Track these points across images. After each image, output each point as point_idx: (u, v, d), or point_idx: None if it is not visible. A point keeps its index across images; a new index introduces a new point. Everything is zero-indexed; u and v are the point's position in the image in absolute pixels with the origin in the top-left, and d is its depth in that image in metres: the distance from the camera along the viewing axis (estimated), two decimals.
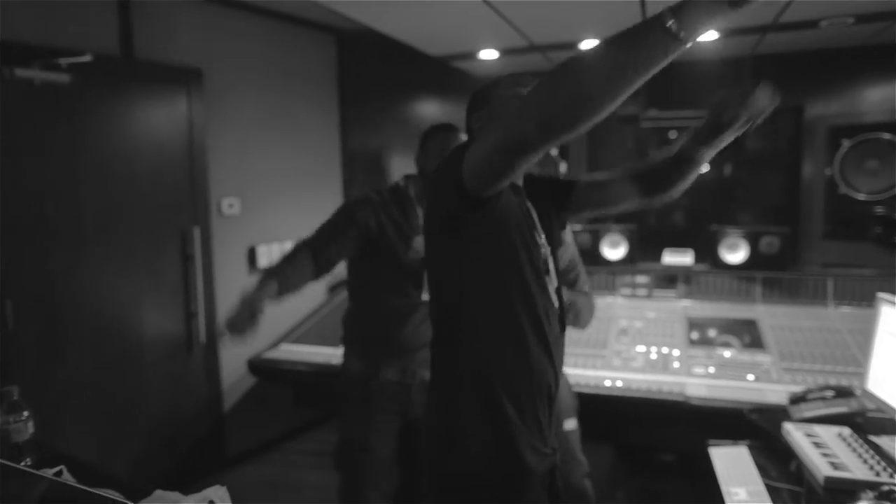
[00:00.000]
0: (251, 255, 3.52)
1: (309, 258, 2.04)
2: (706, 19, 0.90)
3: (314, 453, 3.62)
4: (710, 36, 2.77)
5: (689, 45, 0.91)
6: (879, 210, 3.58)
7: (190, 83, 3.15)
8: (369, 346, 2.15)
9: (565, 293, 1.78)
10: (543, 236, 1.37)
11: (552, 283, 1.35)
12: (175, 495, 1.14)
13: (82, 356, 2.76)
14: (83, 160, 2.74)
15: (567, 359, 2.62)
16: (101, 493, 1.04)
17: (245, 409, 3.51)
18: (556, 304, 1.35)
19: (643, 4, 2.19)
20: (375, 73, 4.10)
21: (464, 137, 2.08)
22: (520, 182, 1.39)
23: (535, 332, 1.26)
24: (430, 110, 4.15)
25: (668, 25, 0.88)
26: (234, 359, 3.36)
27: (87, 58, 2.54)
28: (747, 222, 4.09)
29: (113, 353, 2.89)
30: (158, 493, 1.14)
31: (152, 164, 3.02)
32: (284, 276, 2.00)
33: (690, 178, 1.41)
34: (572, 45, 2.97)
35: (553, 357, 1.31)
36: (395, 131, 4.28)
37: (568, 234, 2.08)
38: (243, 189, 3.45)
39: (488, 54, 3.14)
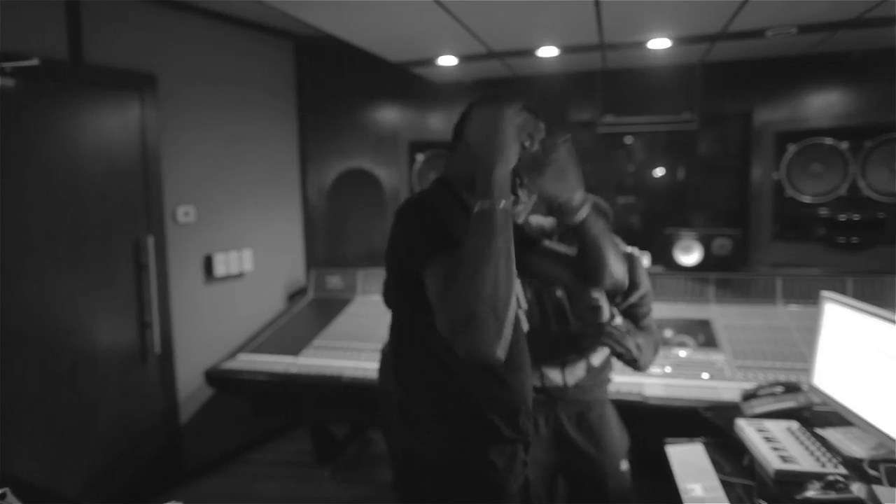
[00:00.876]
0: (207, 264, 3.45)
1: None
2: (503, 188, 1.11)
3: (274, 464, 3.56)
4: (662, 44, 2.84)
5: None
6: (823, 212, 3.73)
7: (143, 89, 3.08)
8: None
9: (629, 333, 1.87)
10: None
11: (521, 307, 1.37)
12: None
13: (30, 370, 2.66)
14: (30, 167, 2.65)
15: None
16: None
17: (203, 420, 3.44)
18: (526, 326, 1.40)
19: (597, 5, 2.23)
20: (334, 78, 4.08)
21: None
22: None
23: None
24: (389, 116, 4.15)
25: (504, 210, 1.10)
26: (190, 369, 3.29)
27: (33, 61, 2.46)
28: (701, 225, 4.21)
29: (63, 366, 2.79)
30: None
31: (104, 172, 2.94)
32: None
33: (599, 255, 1.40)
34: (530, 52, 3.00)
35: (519, 384, 1.34)
36: (355, 137, 4.26)
37: (643, 276, 2.04)
38: (199, 197, 3.38)
39: (447, 60, 3.15)
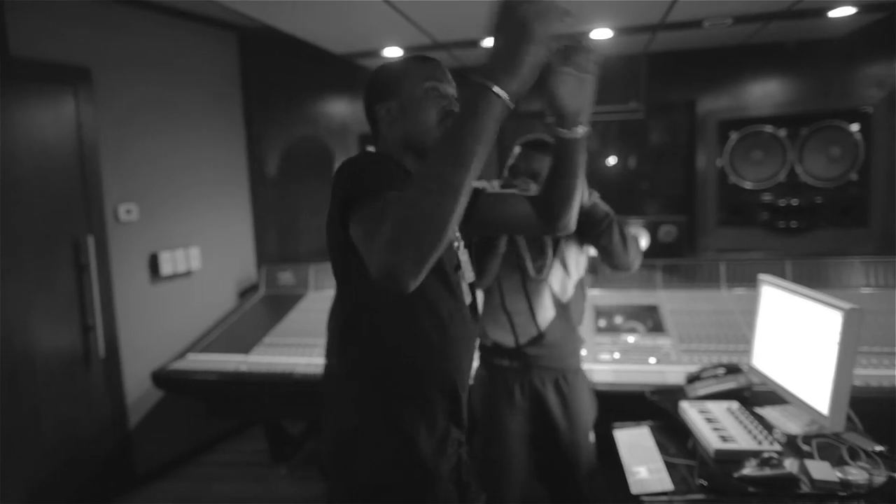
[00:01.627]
0: (153, 263, 3.35)
1: None
2: (526, 72, 0.91)
3: (230, 464, 3.50)
4: (604, 34, 2.88)
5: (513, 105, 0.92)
6: (765, 198, 3.86)
7: (77, 83, 2.96)
8: None
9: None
10: (457, 230, 1.33)
11: (464, 279, 1.33)
12: None
13: None
14: None
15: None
16: None
17: (153, 423, 3.35)
18: (468, 300, 1.34)
19: None
20: (281, 71, 4.00)
21: None
22: None
23: (437, 333, 1.25)
24: (338, 109, 4.09)
25: (496, 93, 0.89)
26: (138, 372, 3.20)
27: None
28: (650, 212, 4.30)
29: (2, 373, 2.68)
30: None
31: (38, 170, 2.82)
32: None
33: (573, 185, 1.30)
34: (475, 43, 3.01)
35: (457, 356, 1.31)
36: (304, 130, 4.19)
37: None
38: (141, 194, 3.28)
39: (393, 52, 3.13)
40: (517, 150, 2.01)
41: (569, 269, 1.99)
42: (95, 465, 3.08)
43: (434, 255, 0.90)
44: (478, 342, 2.05)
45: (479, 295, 1.91)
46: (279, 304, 3.56)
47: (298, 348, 2.97)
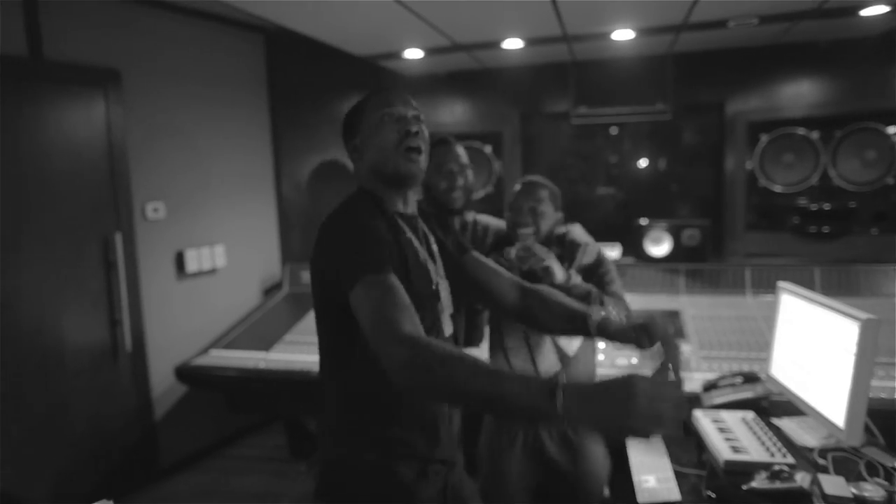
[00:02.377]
0: (179, 260, 3.43)
1: None
2: (589, 425, 0.91)
3: (250, 459, 3.57)
4: (625, 35, 2.84)
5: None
6: (797, 202, 3.75)
7: (107, 84, 3.05)
8: None
9: (603, 302, 1.78)
10: (437, 263, 1.37)
11: (444, 310, 1.35)
12: None
13: None
14: None
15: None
16: None
17: (178, 416, 3.43)
18: (449, 331, 1.36)
19: (555, 4, 2.23)
20: (306, 72, 4.05)
21: (460, 150, 2.06)
22: (411, 208, 1.38)
23: None
24: None
25: (555, 407, 0.88)
26: (163, 366, 3.28)
27: None
28: (677, 215, 4.23)
29: (32, 365, 2.78)
30: None
31: (69, 169, 2.91)
32: None
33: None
34: (495, 44, 3.00)
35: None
36: (329, 130, 4.24)
37: (583, 234, 2.03)
38: (168, 193, 3.36)
39: (413, 54, 3.14)
40: (517, 187, 2.00)
41: None
42: (121, 457, 3.17)
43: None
44: None
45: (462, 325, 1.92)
46: (302, 303, 3.60)
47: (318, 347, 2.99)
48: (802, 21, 2.68)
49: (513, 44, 2.98)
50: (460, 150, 2.07)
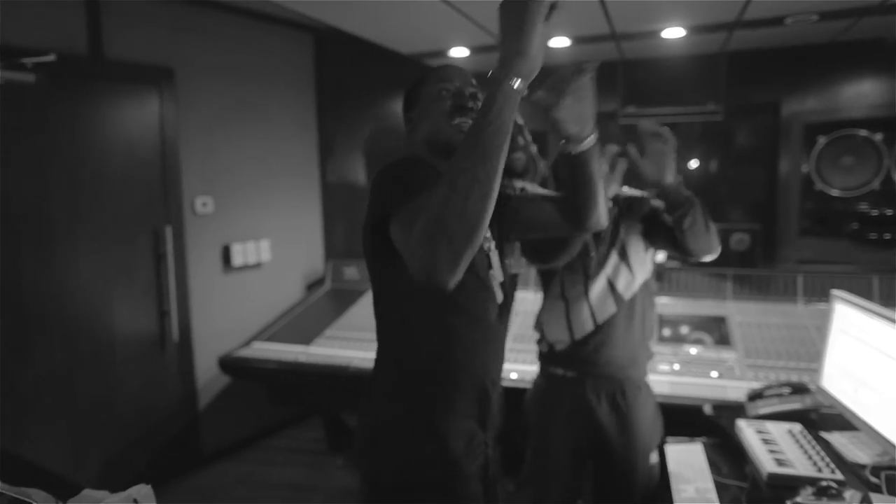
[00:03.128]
0: (225, 254, 3.52)
1: None
2: (532, 52, 0.97)
3: (289, 450, 3.63)
4: (676, 33, 2.77)
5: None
6: (857, 207, 3.58)
7: (161, 83, 3.15)
8: None
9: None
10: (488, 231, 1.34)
11: (495, 277, 1.33)
12: (102, 494, 1.14)
13: (52, 355, 2.77)
14: (51, 159, 2.74)
15: (531, 356, 2.57)
16: (20, 497, 1.04)
17: (220, 406, 3.52)
18: (500, 298, 1.34)
19: (603, 4, 2.19)
20: (353, 71, 4.09)
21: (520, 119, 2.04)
22: None
23: (466, 332, 1.26)
24: None
25: (508, 83, 0.96)
26: (208, 357, 3.37)
27: (50, 57, 2.54)
28: (729, 219, 4.09)
29: (84, 352, 2.89)
30: (87, 492, 1.15)
31: (123, 164, 3.02)
32: None
33: (592, 189, 1.32)
34: None
35: (486, 354, 1.31)
36: (375, 129, 4.28)
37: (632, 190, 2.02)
38: (217, 188, 3.45)
39: (459, 52, 3.13)
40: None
41: (632, 268, 1.91)
42: (166, 443, 3.27)
43: (469, 249, 0.93)
44: (537, 349, 2.03)
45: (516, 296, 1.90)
46: (344, 298, 3.64)
47: (357, 342, 3.03)
48: (864, 17, 2.55)
49: (559, 42, 2.94)
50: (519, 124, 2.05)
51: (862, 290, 2.75)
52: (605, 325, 1.88)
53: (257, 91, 3.66)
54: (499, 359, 1.38)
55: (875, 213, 3.53)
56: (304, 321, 3.42)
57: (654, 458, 1.95)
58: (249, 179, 3.63)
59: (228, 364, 3.01)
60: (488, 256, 1.33)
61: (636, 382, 1.94)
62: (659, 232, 1.90)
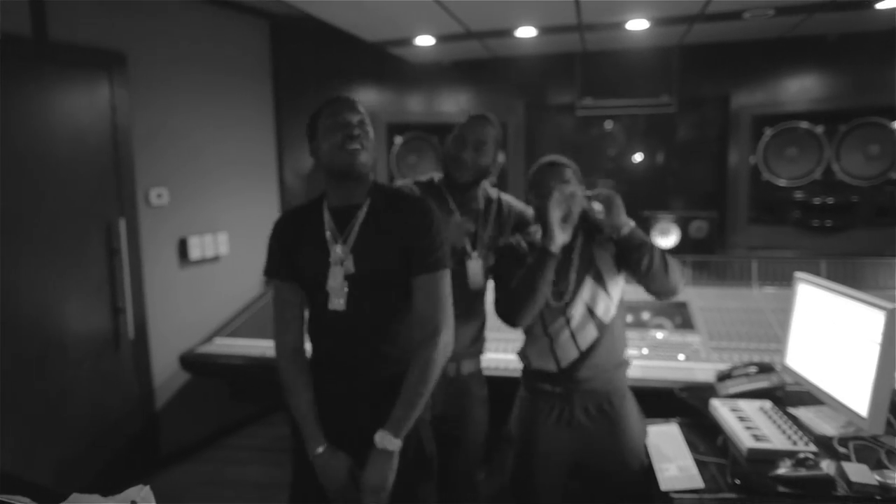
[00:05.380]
0: (182, 247, 3.39)
1: None
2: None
3: (252, 449, 3.54)
4: (640, 25, 2.83)
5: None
6: (799, 196, 3.77)
7: (112, 67, 2.99)
8: None
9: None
10: (347, 246, 1.60)
11: (333, 291, 1.59)
12: (94, 497, 1.08)
13: None
14: None
15: (497, 344, 2.59)
16: (7, 502, 0.98)
17: (179, 405, 3.40)
18: (337, 307, 1.58)
19: None
20: (311, 59, 4.01)
21: (488, 128, 2.02)
22: (353, 200, 1.62)
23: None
24: (367, 97, 4.09)
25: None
26: (165, 355, 3.24)
27: None
28: (679, 208, 4.23)
29: (32, 352, 2.73)
30: (75, 496, 1.09)
31: (72, 153, 2.86)
32: None
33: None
34: (508, 32, 2.97)
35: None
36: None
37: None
38: (172, 178, 3.32)
39: (425, 41, 3.11)
40: (538, 167, 1.98)
41: (609, 292, 1.93)
42: (122, 445, 3.13)
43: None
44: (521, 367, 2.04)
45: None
46: None
47: None
48: (816, 14, 2.68)
49: (526, 32, 2.95)
50: (488, 130, 2.03)
51: (812, 274, 2.89)
52: (590, 349, 1.89)
53: (212, 79, 3.53)
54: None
55: (818, 201, 3.72)
56: (267, 316, 3.31)
57: (645, 461, 1.96)
58: (206, 170, 3.50)
59: (190, 361, 2.90)
60: (325, 274, 1.60)
61: (621, 391, 1.97)
62: (621, 262, 1.94)
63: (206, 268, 3.54)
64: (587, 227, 1.95)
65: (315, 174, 4.16)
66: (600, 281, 1.91)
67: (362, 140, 1.58)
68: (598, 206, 1.88)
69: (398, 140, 3.89)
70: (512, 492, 2.02)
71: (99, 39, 2.94)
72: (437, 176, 2.12)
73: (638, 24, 2.82)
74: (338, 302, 1.56)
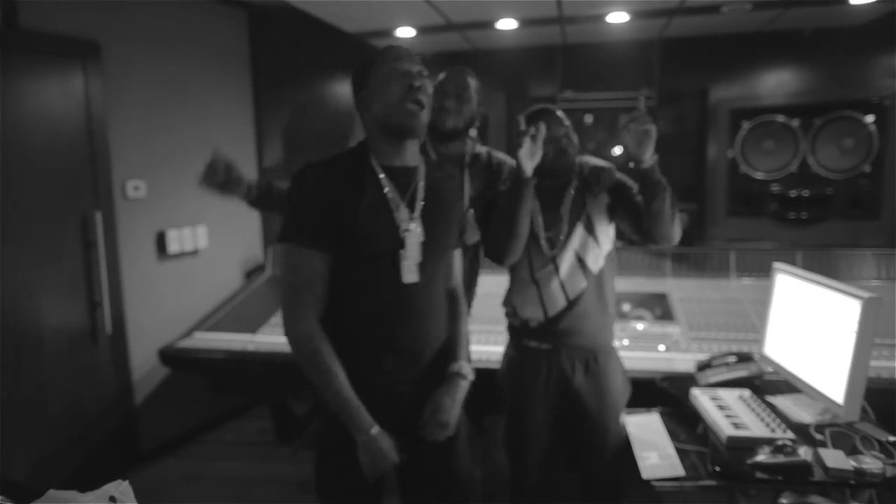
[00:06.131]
0: (160, 241, 3.34)
1: None
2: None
3: (234, 443, 3.51)
4: (620, 17, 2.84)
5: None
6: (775, 188, 3.83)
7: (86, 57, 2.92)
8: None
9: None
10: (415, 211, 1.46)
11: (407, 258, 1.44)
12: (71, 494, 1.06)
13: None
14: None
15: (487, 336, 2.60)
16: None
17: (159, 400, 3.36)
18: (410, 279, 1.45)
19: None
20: (290, 50, 3.96)
21: (469, 80, 2.03)
22: (408, 161, 1.48)
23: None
24: (347, 89, 4.05)
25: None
26: (144, 349, 3.20)
27: None
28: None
29: (7, 348, 2.67)
30: (51, 493, 1.07)
31: (46, 144, 2.79)
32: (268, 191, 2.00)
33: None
34: (489, 24, 2.97)
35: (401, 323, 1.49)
36: (312, 110, 4.16)
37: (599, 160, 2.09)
38: (150, 171, 3.26)
39: (405, 32, 3.09)
40: (522, 119, 1.98)
41: (599, 240, 1.94)
42: (100, 441, 3.08)
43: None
44: (506, 322, 2.04)
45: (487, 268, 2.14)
46: None
47: None
48: (792, 8, 2.71)
49: (507, 24, 2.95)
50: (469, 80, 2.03)
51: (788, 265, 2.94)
52: (577, 299, 1.91)
53: (191, 69, 3.47)
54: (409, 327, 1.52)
55: (793, 194, 3.79)
56: (247, 309, 3.31)
57: (623, 417, 2.01)
58: (184, 161, 3.43)
59: (170, 356, 2.86)
60: (402, 240, 1.44)
61: (606, 348, 2.00)
62: (624, 208, 1.94)
63: (186, 261, 3.49)
64: (583, 177, 1.97)
65: (293, 162, 4.13)
66: (591, 230, 1.93)
67: (423, 95, 1.39)
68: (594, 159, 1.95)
69: None
70: (505, 447, 2.06)
71: (72, 28, 2.87)
72: None
73: (618, 17, 2.84)
74: (411, 275, 1.41)
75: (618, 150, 4.36)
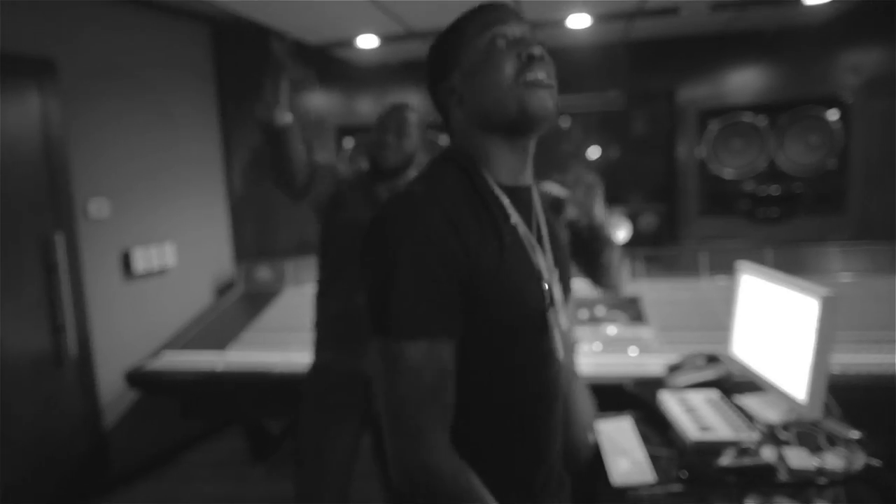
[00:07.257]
0: (125, 261, 3.28)
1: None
2: None
3: (208, 464, 3.45)
4: (582, 21, 2.84)
5: None
6: (747, 187, 3.85)
7: (42, 76, 2.87)
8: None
9: None
10: (546, 251, 1.34)
11: (558, 324, 1.29)
12: None
13: None
14: None
15: None
16: None
17: (130, 423, 3.29)
18: (562, 353, 1.38)
19: None
20: (254, 63, 3.91)
21: (411, 116, 2.01)
22: (526, 177, 1.11)
23: None
24: (314, 101, 4.03)
25: None
26: (112, 371, 3.13)
27: None
28: (632, 202, 4.28)
29: None
30: None
31: (1, 165, 2.73)
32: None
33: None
34: None
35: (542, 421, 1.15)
36: None
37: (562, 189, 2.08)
38: (113, 189, 3.20)
39: (367, 41, 3.07)
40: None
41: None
42: (69, 467, 3.01)
43: None
44: None
45: None
46: (257, 301, 3.50)
47: (276, 344, 2.91)
48: (749, 9, 2.74)
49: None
50: (409, 115, 2.03)
51: (758, 263, 2.95)
52: None
53: (153, 85, 3.43)
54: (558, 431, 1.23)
55: (762, 192, 3.82)
56: (217, 327, 3.26)
57: (591, 437, 1.98)
58: (148, 179, 3.39)
59: (137, 378, 2.80)
60: (550, 294, 0.99)
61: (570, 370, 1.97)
62: (575, 250, 1.93)
63: (153, 281, 3.43)
64: (549, 201, 1.95)
65: (265, 176, 4.09)
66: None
67: (548, 67, 0.93)
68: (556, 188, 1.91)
69: (348, 142, 3.85)
70: None
71: (26, 46, 2.82)
72: (364, 165, 2.11)
73: (579, 21, 2.84)
74: (560, 349, 0.97)
75: (595, 153, 4.37)
